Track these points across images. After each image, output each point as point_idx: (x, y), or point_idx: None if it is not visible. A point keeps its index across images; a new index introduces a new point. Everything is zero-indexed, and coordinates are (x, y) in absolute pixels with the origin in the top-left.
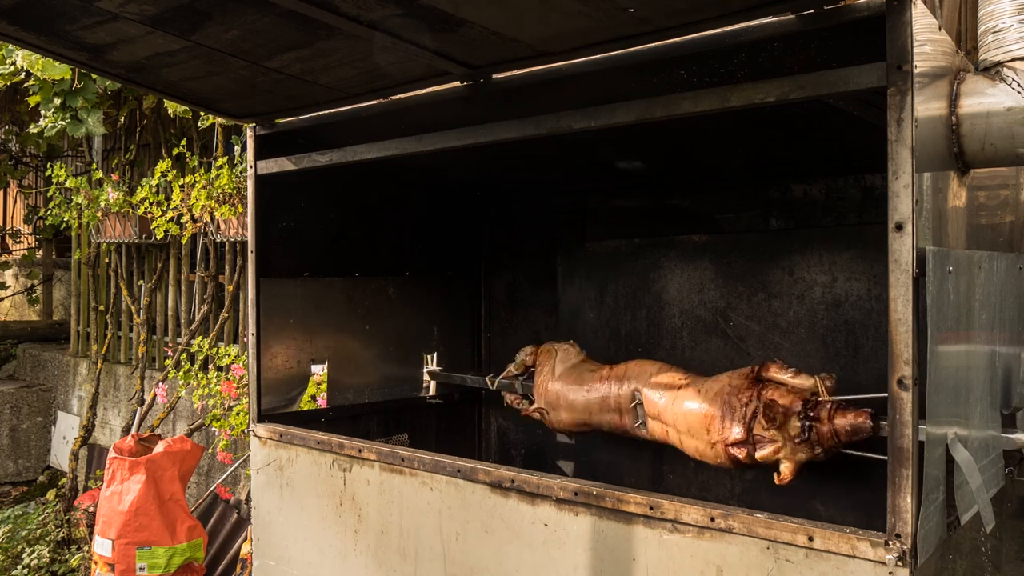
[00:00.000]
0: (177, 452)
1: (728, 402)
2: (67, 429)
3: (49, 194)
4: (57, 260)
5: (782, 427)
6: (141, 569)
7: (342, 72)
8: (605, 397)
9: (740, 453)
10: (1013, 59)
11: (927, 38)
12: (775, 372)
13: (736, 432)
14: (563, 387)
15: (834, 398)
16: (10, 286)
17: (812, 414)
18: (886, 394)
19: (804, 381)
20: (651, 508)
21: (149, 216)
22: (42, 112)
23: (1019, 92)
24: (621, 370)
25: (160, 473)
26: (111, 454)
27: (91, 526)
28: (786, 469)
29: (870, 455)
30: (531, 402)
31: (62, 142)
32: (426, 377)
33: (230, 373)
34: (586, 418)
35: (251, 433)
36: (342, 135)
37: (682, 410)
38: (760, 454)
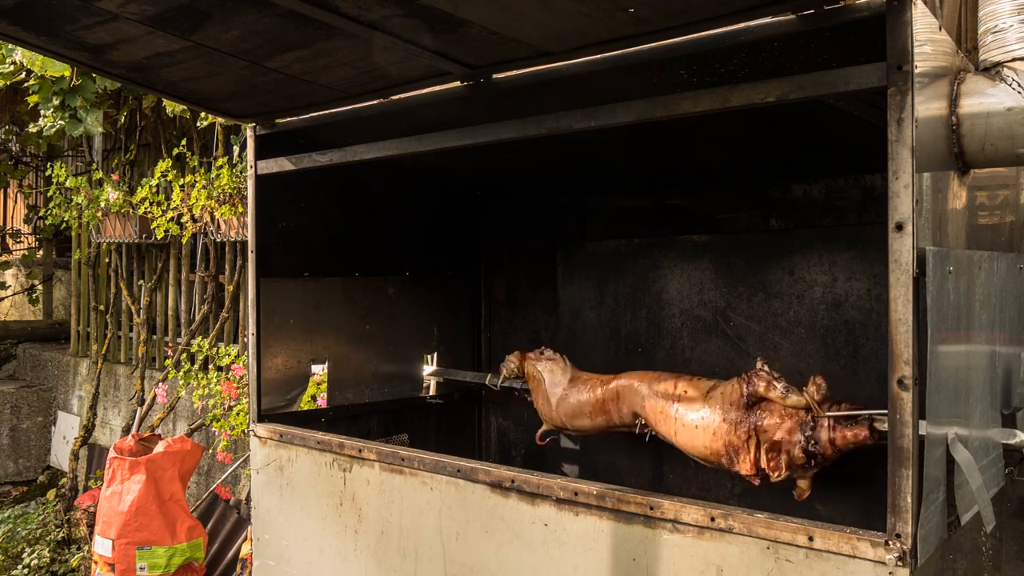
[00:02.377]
0: (177, 452)
1: (729, 441)
2: (67, 429)
3: (49, 194)
4: (57, 260)
5: (788, 459)
6: (141, 569)
7: (342, 72)
8: (609, 420)
9: (755, 481)
10: (1013, 59)
11: (927, 38)
12: (764, 389)
13: (745, 468)
14: (565, 413)
15: (830, 414)
16: (10, 286)
17: (813, 439)
18: (882, 410)
19: (796, 399)
20: (651, 508)
21: (149, 216)
22: (41, 111)
23: (1019, 92)
24: (613, 391)
25: (160, 473)
26: (111, 454)
27: (91, 526)
28: (803, 485)
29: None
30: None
31: (62, 142)
32: (426, 377)
33: (230, 373)
34: (598, 432)
35: (251, 433)
36: (342, 135)
37: (688, 443)
38: (774, 479)
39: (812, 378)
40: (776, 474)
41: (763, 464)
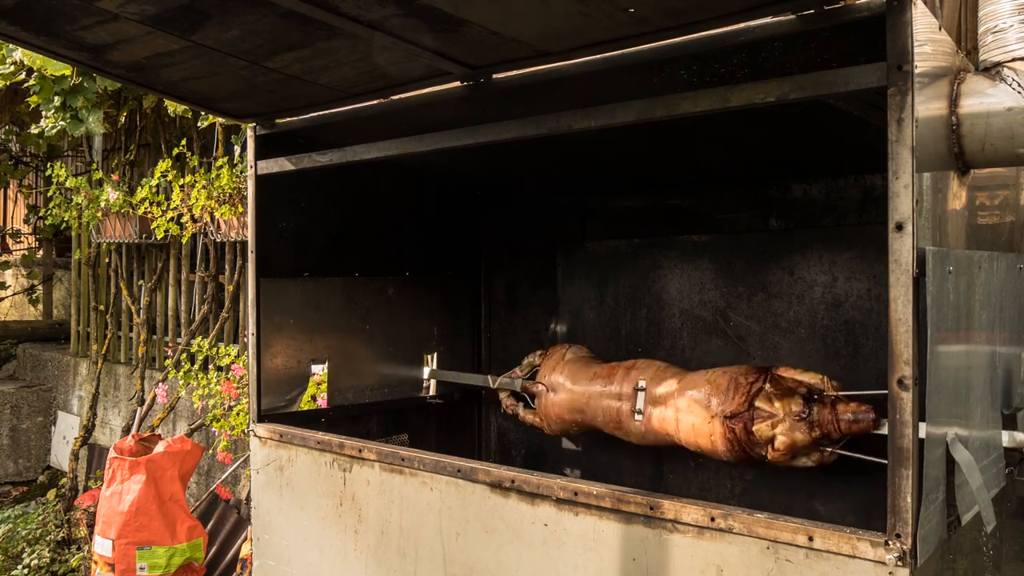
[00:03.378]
0: (177, 452)
1: (734, 379)
2: (67, 429)
3: (49, 194)
4: (57, 260)
5: (784, 402)
6: (141, 569)
7: (342, 72)
8: (609, 379)
9: (736, 426)
10: (1013, 59)
11: (927, 38)
12: (783, 371)
13: (737, 404)
14: (567, 370)
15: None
16: (10, 286)
17: (815, 399)
18: (886, 391)
19: (811, 378)
20: (651, 508)
21: (149, 216)
22: (42, 112)
23: (1019, 92)
24: (629, 363)
25: (160, 473)
26: (111, 454)
27: (91, 526)
28: (781, 444)
29: (871, 458)
30: (527, 406)
31: (62, 142)
32: (426, 377)
33: (230, 373)
34: (584, 400)
35: (251, 433)
36: (342, 135)
37: (686, 391)
38: (756, 427)
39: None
40: (769, 407)
41: (759, 402)
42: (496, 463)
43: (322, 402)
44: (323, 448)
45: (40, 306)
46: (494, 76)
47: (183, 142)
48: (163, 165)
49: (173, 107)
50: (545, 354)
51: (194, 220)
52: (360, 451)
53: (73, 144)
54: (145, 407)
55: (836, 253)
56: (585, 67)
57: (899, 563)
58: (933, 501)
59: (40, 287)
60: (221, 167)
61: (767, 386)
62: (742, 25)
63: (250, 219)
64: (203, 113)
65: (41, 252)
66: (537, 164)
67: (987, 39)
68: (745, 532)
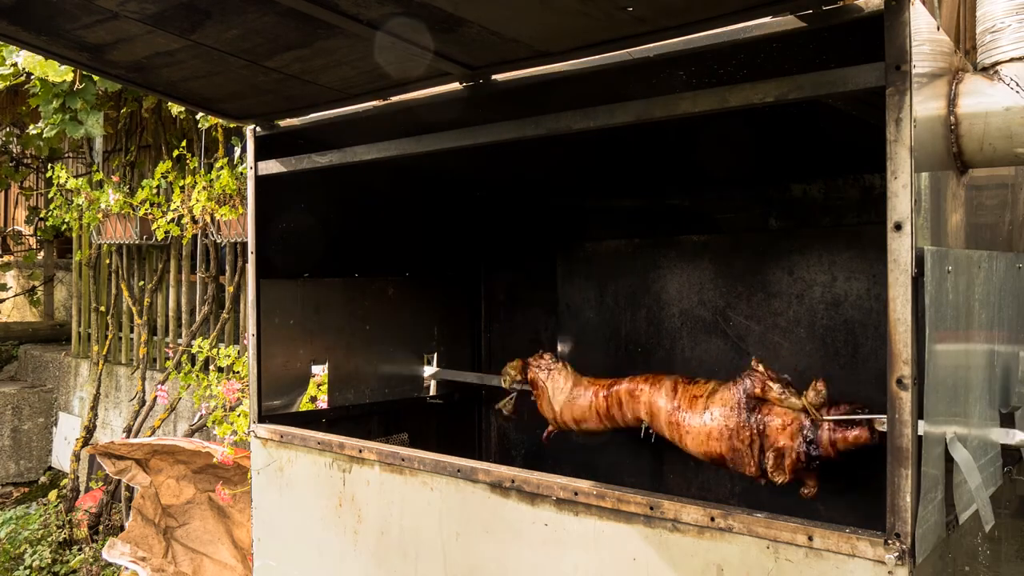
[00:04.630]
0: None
1: (732, 446)
2: (68, 430)
3: (50, 195)
4: (58, 261)
5: (790, 462)
6: None
7: (342, 72)
8: (614, 423)
9: (761, 481)
10: (1011, 59)
11: (926, 38)
12: (760, 390)
13: (750, 471)
14: (570, 418)
15: (829, 418)
16: (11, 287)
17: (813, 442)
18: (880, 415)
19: (794, 401)
20: (651, 508)
21: (150, 217)
22: (41, 113)
23: (1017, 92)
24: (615, 397)
25: None
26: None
27: (92, 527)
28: (810, 483)
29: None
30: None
31: (63, 144)
32: (426, 377)
33: (231, 374)
34: (604, 432)
35: (252, 434)
36: (342, 136)
37: (694, 447)
38: (778, 482)
39: (813, 383)
40: (780, 478)
41: (768, 467)
42: (496, 463)
43: (322, 403)
44: (323, 448)
45: (41, 307)
46: (494, 77)
47: (183, 143)
48: (163, 166)
49: (172, 107)
50: (522, 371)
51: (194, 221)
52: (360, 451)
53: (74, 146)
54: (146, 408)
55: (835, 253)
56: (585, 67)
57: (898, 562)
58: (932, 500)
59: (41, 288)
60: (221, 168)
61: (766, 440)
62: (741, 25)
63: (250, 220)
64: (203, 114)
65: (42, 253)
66: (537, 164)
67: (985, 39)
68: (745, 532)
